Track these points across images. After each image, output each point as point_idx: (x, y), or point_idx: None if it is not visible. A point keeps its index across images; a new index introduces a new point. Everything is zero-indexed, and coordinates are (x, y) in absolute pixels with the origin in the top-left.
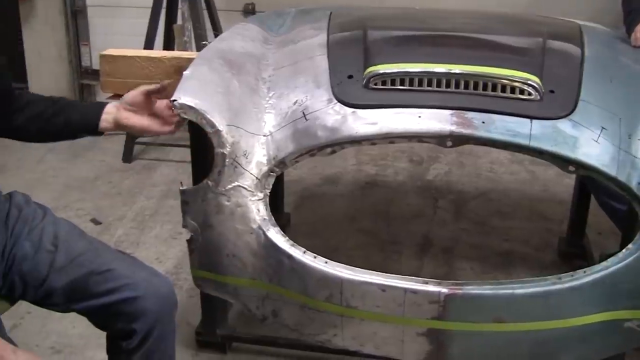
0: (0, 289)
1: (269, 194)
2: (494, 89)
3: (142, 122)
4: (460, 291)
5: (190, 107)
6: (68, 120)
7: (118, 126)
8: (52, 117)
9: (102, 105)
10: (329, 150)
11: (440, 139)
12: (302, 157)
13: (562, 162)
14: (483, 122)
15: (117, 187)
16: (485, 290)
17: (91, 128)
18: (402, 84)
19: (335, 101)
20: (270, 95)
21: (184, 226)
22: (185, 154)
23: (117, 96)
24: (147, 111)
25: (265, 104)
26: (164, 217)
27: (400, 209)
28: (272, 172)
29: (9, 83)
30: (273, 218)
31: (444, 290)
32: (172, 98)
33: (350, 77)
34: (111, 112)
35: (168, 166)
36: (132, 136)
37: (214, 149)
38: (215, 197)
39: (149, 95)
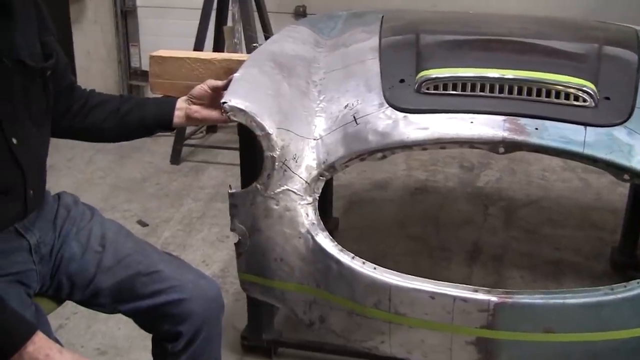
0: (48, 289)
1: (318, 198)
2: (548, 95)
3: (211, 114)
4: (510, 300)
5: (240, 110)
6: (142, 117)
7: (189, 120)
8: (127, 114)
9: (173, 101)
10: (379, 155)
11: (492, 145)
12: (352, 161)
13: (617, 170)
14: (536, 129)
15: (164, 189)
16: (536, 299)
17: (166, 123)
18: (454, 88)
19: (387, 105)
20: (321, 98)
21: (232, 229)
22: (234, 156)
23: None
24: (213, 104)
25: (315, 107)
26: (211, 220)
27: (450, 215)
28: (321, 176)
29: (72, 79)
30: (322, 222)
31: (494, 298)
32: (222, 100)
33: (402, 81)
34: (182, 107)
35: (216, 169)
36: (180, 138)
37: (263, 152)
38: (264, 200)
39: (215, 90)
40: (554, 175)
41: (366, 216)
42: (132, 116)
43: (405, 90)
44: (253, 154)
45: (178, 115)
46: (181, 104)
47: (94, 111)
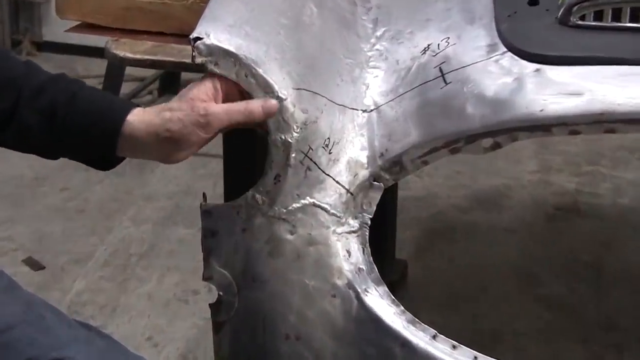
0: None
1: (369, 222)
2: None
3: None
4: None
5: (225, 53)
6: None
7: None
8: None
9: (126, 106)
10: (487, 142)
11: None
12: (435, 153)
13: None
14: None
15: (77, 199)
16: None
17: (100, 147)
18: (634, 19)
19: (504, 49)
20: (378, 34)
21: (206, 278)
22: (212, 141)
23: (84, 28)
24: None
25: (367, 50)
26: (166, 260)
27: (626, 262)
28: (376, 180)
29: None
30: (375, 268)
31: None
32: (193, 34)
33: (533, 2)
34: (145, 119)
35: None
36: None
37: (266, 135)
38: (267, 224)
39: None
40: None
41: (460, 259)
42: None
43: (539, 19)
44: (247, 137)
45: (133, 131)
46: (145, 114)
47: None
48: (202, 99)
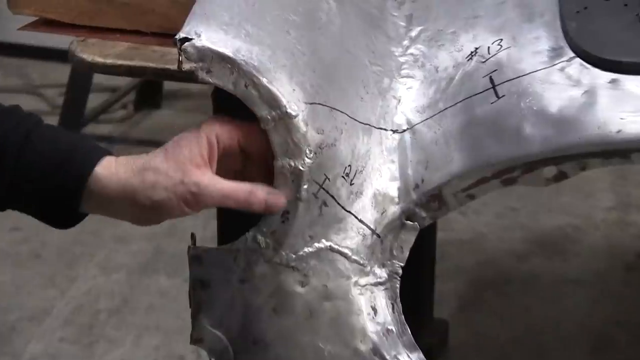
0: None
1: (400, 271)
2: None
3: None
4: None
5: (221, 57)
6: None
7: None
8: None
9: (98, 152)
10: (551, 171)
11: None
12: (484, 185)
13: None
14: None
15: (31, 241)
16: None
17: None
18: None
19: (571, 54)
20: (413, 34)
21: (195, 341)
22: None
23: (42, 25)
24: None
25: (399, 54)
26: (143, 319)
27: None
28: (409, 218)
29: None
30: (409, 330)
31: None
32: (180, 35)
33: None
34: (122, 173)
35: None
36: (76, 113)
37: (272, 161)
38: (272, 273)
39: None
40: None
41: (514, 317)
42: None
43: (615, 17)
44: None
45: (102, 188)
46: (120, 168)
47: None
48: (196, 163)
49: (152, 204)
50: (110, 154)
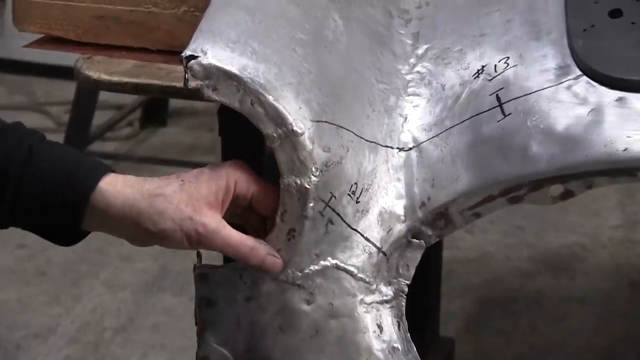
0: None
1: (406, 289)
2: None
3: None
4: None
5: (227, 75)
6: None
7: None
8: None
9: (101, 168)
10: (557, 189)
11: None
12: (490, 203)
13: None
14: None
15: (36, 258)
16: None
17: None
18: None
19: (578, 72)
20: (420, 52)
21: (201, 359)
22: None
23: (48, 42)
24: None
25: (406, 72)
26: (148, 336)
27: None
28: (416, 236)
29: None
30: (414, 348)
31: None
32: (186, 52)
33: (614, 13)
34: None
35: None
36: (83, 133)
37: (278, 179)
38: (278, 291)
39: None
40: None
41: (520, 336)
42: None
43: (622, 35)
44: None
45: (107, 207)
46: (126, 187)
47: None
48: (209, 203)
49: (156, 231)
50: (113, 171)
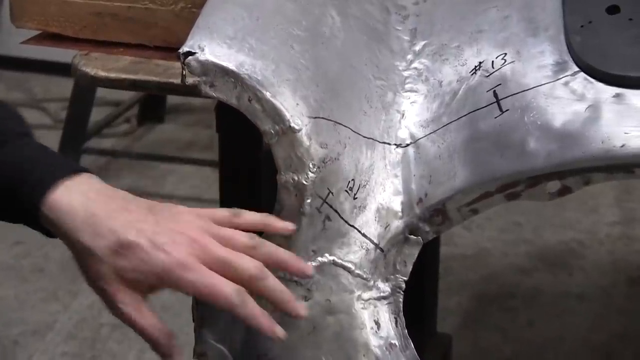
0: None
1: (404, 285)
2: None
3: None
4: None
5: (225, 71)
6: None
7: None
8: None
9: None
10: (555, 186)
11: None
12: (487, 199)
13: None
14: None
15: (33, 255)
16: None
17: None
18: None
19: (575, 68)
20: (417, 48)
21: (198, 355)
22: (205, 180)
23: (45, 39)
24: None
25: (403, 69)
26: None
27: None
28: (413, 233)
29: None
30: (412, 344)
31: None
32: (183, 49)
33: (612, 9)
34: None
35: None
36: (79, 129)
37: (275, 175)
38: None
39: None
40: None
41: (518, 332)
42: None
43: (620, 31)
44: (251, 176)
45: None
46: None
47: None
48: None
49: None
50: (87, 171)
